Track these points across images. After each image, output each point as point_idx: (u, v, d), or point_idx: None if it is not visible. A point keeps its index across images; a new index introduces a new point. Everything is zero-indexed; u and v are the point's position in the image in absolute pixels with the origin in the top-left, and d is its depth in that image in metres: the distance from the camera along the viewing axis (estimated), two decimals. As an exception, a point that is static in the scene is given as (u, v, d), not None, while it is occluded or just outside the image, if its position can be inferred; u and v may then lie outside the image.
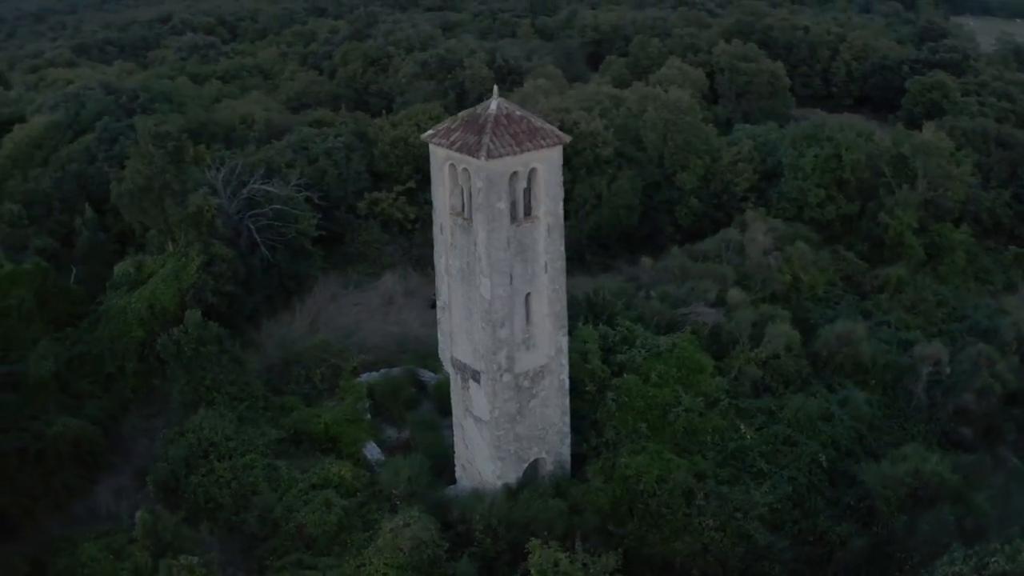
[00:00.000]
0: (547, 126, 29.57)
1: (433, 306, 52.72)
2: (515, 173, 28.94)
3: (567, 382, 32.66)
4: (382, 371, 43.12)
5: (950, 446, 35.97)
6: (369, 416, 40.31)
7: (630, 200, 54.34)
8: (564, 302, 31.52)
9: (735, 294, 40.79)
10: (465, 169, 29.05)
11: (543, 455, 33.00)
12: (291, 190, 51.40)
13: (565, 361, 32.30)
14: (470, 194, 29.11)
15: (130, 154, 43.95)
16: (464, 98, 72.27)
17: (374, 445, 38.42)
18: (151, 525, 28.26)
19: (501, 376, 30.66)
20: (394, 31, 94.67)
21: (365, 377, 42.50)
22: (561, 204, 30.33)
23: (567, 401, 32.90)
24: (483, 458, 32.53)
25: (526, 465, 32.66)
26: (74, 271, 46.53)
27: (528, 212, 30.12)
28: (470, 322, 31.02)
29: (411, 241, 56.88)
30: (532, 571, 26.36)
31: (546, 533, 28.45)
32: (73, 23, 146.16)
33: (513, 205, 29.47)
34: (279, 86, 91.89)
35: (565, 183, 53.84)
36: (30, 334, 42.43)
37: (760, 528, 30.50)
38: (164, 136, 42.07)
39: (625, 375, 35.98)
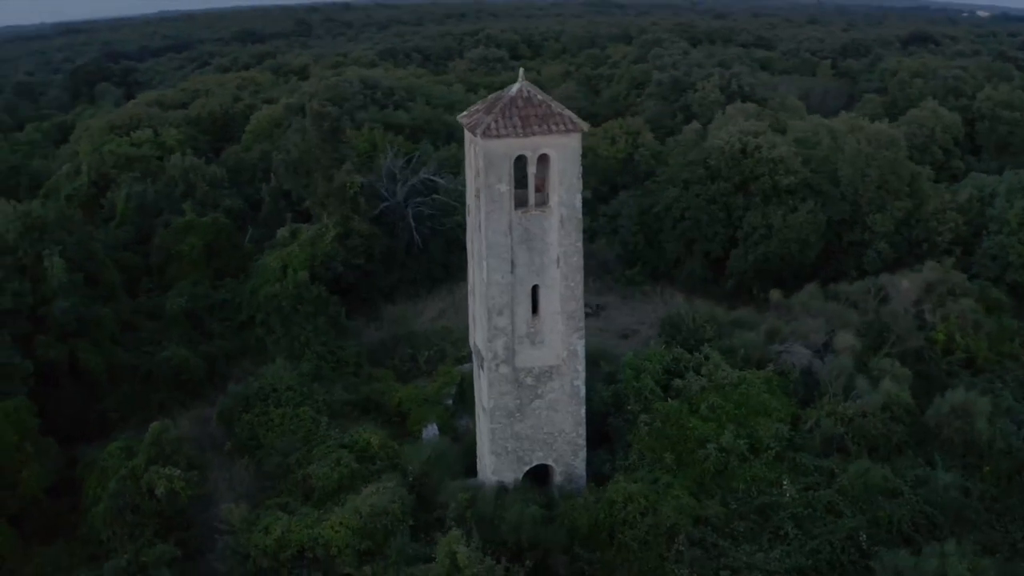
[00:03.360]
0: (566, 112, 28.20)
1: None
2: (523, 157, 27.94)
3: (582, 389, 30.79)
4: (483, 363, 43.18)
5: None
6: (451, 402, 40.65)
7: (805, 235, 49.69)
8: (580, 302, 29.83)
9: (844, 339, 35.91)
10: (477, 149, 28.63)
11: (550, 462, 31.34)
12: (459, 184, 53.21)
13: (580, 367, 30.48)
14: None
15: (293, 129, 48.01)
16: (690, 120, 70.31)
17: (434, 427, 38.65)
18: (157, 436, 30.82)
19: (498, 367, 29.68)
20: (662, 56, 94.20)
21: (466, 367, 42.93)
22: (579, 196, 28.74)
23: (582, 411, 30.98)
24: (485, 451, 31.65)
25: (527, 467, 31.22)
26: (250, 231, 51.63)
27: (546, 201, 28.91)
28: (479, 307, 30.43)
29: (577, 250, 56.30)
30: (436, 559, 25.38)
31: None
32: (410, 32, 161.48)
33: (522, 190, 28.46)
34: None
35: (737, 209, 51.75)
36: (193, 277, 47.88)
37: (743, 594, 26.66)
38: (323, 116, 45.48)
39: (670, 400, 33.17)
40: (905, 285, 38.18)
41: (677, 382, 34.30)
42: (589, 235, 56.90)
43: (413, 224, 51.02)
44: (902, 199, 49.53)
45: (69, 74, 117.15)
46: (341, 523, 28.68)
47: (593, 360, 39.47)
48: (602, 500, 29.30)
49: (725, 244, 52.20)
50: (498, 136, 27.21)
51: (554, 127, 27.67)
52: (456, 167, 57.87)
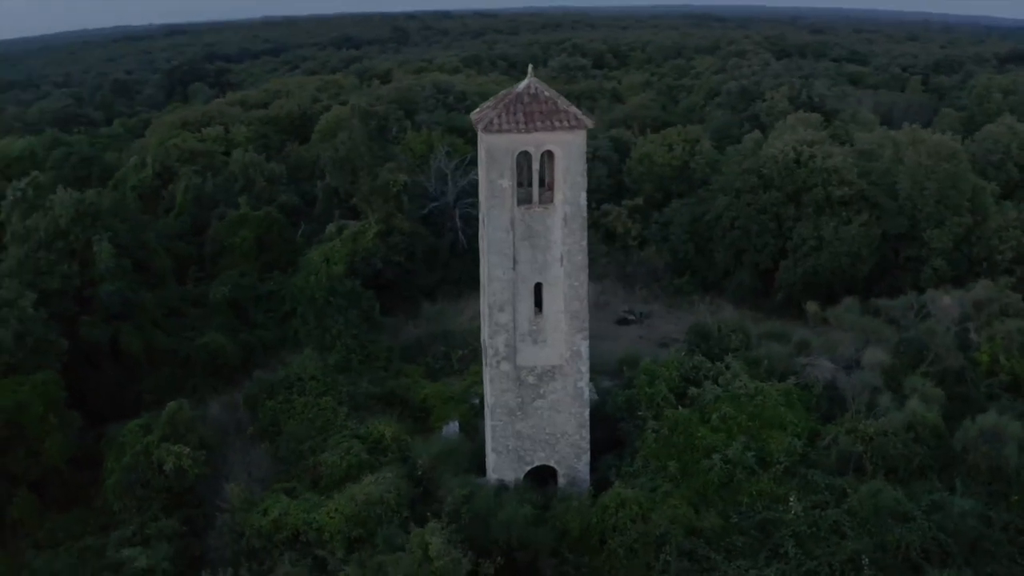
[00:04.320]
0: (571, 109, 28.00)
1: (620, 321, 51.98)
2: (526, 153, 27.89)
3: (586, 391, 30.48)
4: (514, 365, 43.10)
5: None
6: (477, 401, 40.73)
7: (857, 248, 48.07)
8: (584, 301, 29.53)
9: (874, 355, 34.56)
10: (484, 144, 28.72)
11: (552, 464, 31.09)
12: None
13: (584, 368, 30.16)
14: (486, 170, 28.67)
15: (341, 127, 48.99)
16: (760, 130, 68.98)
17: (455, 424, 38.75)
18: (172, 415, 31.86)
19: (499, 363, 29.65)
20: (741, 66, 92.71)
21: (497, 367, 42.95)
22: (584, 194, 28.49)
23: (586, 413, 30.66)
24: (488, 449, 31.64)
25: (528, 467, 31.04)
26: (303, 226, 52.85)
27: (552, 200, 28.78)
28: (485, 303, 30.48)
29: (627, 257, 55.84)
30: (409, 545, 25.57)
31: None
32: (502, 40, 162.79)
33: (525, 186, 28.42)
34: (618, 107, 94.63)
35: (788, 219, 50.42)
36: (243, 268, 49.25)
37: (726, 612, 25.89)
38: (370, 115, 46.26)
39: (683, 408, 32.51)
40: (946, 302, 36.50)
41: (693, 390, 33.61)
42: (639, 242, 56.49)
43: (460, 224, 51.42)
44: (962, 215, 47.45)
45: (165, 73, 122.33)
46: (336, 509, 29.08)
47: (619, 365, 39.26)
48: (596, 504, 28.93)
49: (775, 255, 50.92)
50: (500, 131, 27.27)
51: (558, 123, 27.53)
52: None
